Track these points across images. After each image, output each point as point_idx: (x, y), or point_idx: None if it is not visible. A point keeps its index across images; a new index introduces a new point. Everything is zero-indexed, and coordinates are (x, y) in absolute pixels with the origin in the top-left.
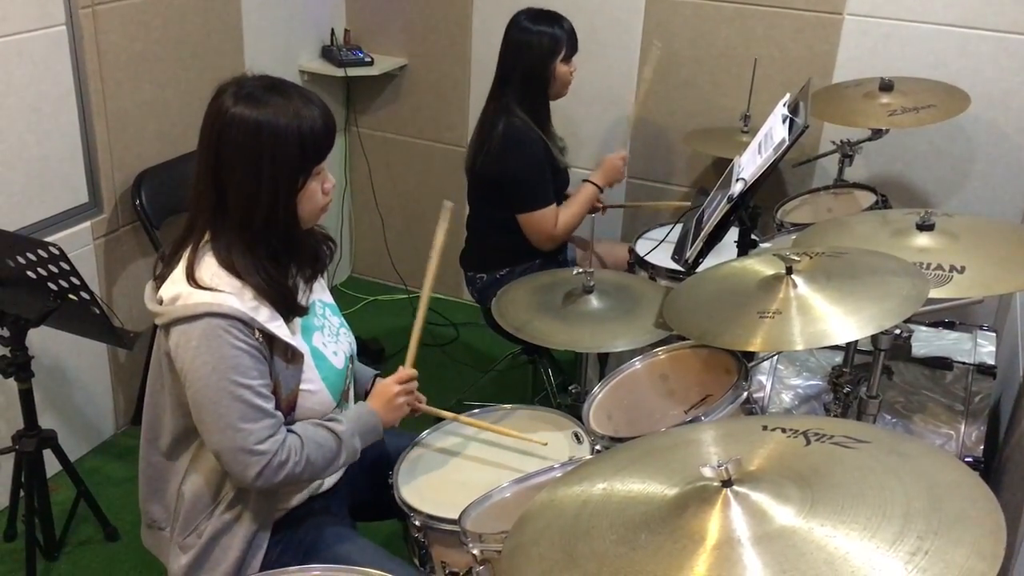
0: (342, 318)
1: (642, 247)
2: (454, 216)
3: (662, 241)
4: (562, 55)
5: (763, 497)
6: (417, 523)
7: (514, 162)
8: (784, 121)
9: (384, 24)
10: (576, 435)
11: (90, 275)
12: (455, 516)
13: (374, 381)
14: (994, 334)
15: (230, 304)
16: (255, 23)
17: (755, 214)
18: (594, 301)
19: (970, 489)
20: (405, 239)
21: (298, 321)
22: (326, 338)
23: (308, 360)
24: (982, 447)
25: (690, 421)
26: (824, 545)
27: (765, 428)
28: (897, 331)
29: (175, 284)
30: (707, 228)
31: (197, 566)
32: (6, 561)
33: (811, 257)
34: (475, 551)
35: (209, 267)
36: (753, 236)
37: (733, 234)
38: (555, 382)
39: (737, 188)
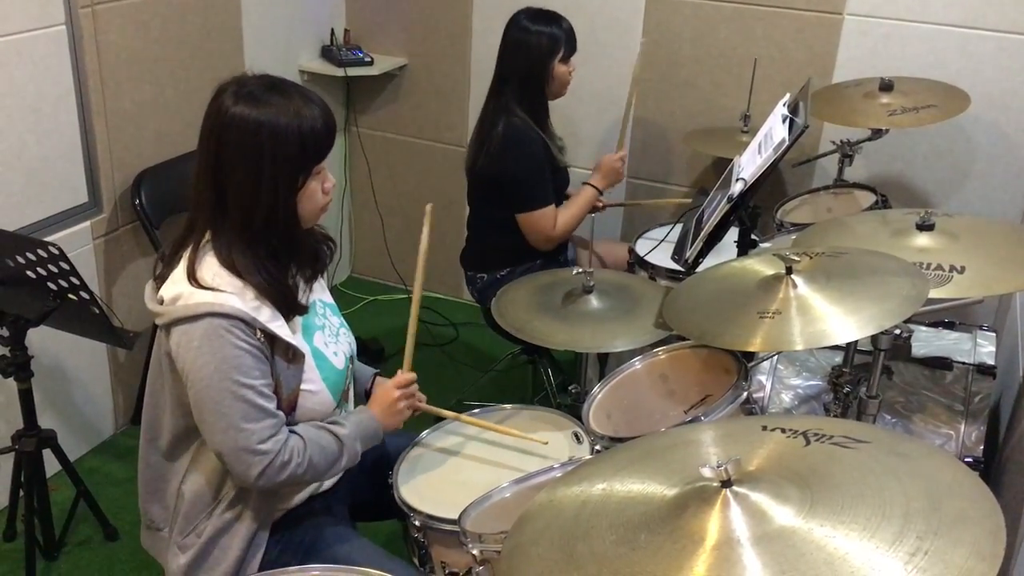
0: (342, 318)
1: (642, 247)
2: (435, 218)
3: (662, 241)
4: (561, 55)
5: (763, 497)
6: (417, 523)
7: (514, 162)
8: (784, 121)
9: (384, 24)
10: (576, 435)
11: (90, 275)
12: (455, 516)
13: (374, 380)
14: (994, 334)
15: (232, 304)
16: (255, 23)
17: (755, 214)
18: (594, 301)
19: (970, 489)
20: (405, 239)
21: (299, 321)
22: (327, 338)
23: (309, 360)
24: (982, 447)
25: (690, 421)
26: (824, 545)
27: (765, 428)
28: (897, 331)
29: (176, 284)
30: (707, 228)
31: (196, 566)
32: (6, 561)
33: (811, 257)
34: (475, 551)
35: (210, 267)
36: (753, 236)
37: (733, 234)
38: (555, 382)
39: (737, 188)
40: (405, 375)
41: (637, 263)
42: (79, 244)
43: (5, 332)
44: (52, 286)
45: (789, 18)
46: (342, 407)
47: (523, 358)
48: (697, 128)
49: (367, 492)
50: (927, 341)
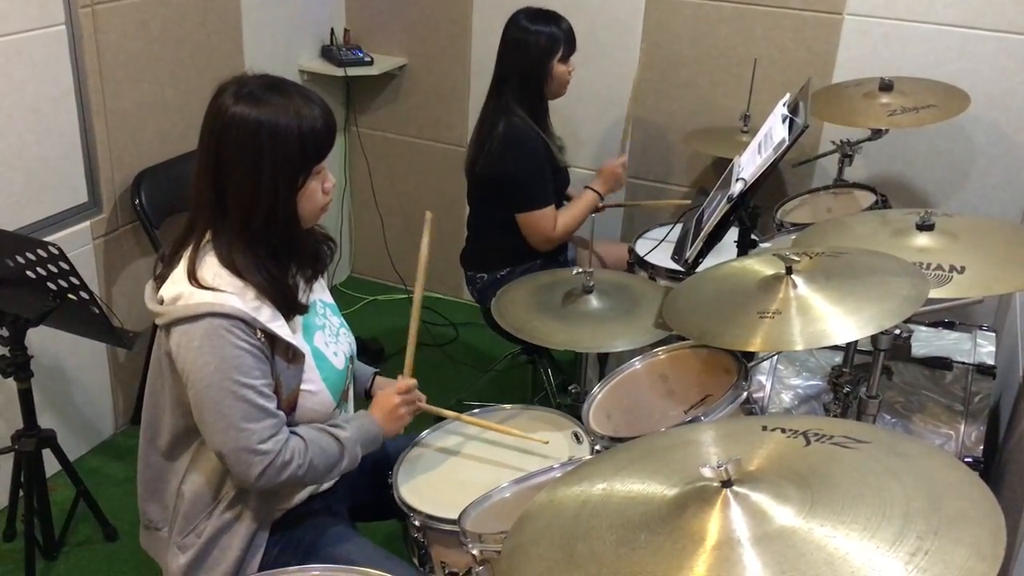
0: (342, 318)
1: (642, 247)
2: (435, 226)
3: (662, 241)
4: (559, 54)
5: (763, 497)
6: (416, 523)
7: (514, 162)
8: (784, 121)
9: (384, 24)
10: (576, 435)
11: (89, 275)
12: (455, 516)
13: (373, 379)
14: (994, 334)
15: (232, 304)
16: (255, 23)
17: (755, 214)
18: (594, 301)
19: (970, 489)
20: (405, 239)
21: (299, 321)
22: (327, 338)
23: (309, 360)
24: (982, 447)
25: (690, 421)
26: (824, 545)
27: (765, 428)
28: (897, 331)
29: (176, 284)
30: (707, 228)
31: (196, 566)
32: (5, 561)
33: (811, 257)
34: (474, 551)
35: (211, 267)
36: (753, 236)
37: (733, 234)
38: (555, 382)
39: (737, 188)
40: (406, 381)
41: (637, 263)
42: (79, 244)
43: (5, 332)
44: (52, 286)
45: (789, 18)
46: (342, 407)
47: (523, 358)
48: (697, 128)
49: (367, 492)
50: (927, 341)
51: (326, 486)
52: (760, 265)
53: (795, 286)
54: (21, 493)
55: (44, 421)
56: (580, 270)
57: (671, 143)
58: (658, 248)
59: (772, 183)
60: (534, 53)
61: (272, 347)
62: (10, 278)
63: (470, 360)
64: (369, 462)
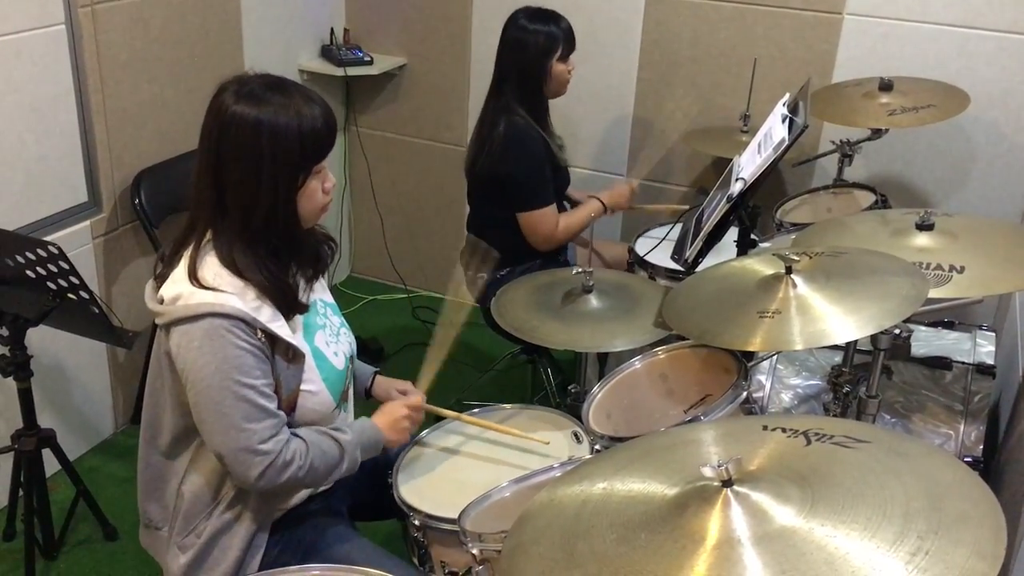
0: (342, 318)
1: (642, 246)
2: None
3: (662, 241)
4: (558, 54)
5: (763, 497)
6: (416, 522)
7: (515, 161)
8: (784, 121)
9: (384, 24)
10: (576, 435)
11: (89, 274)
12: (454, 515)
13: (373, 379)
14: (993, 334)
15: (232, 304)
16: (255, 23)
17: (755, 214)
18: (593, 301)
19: (970, 489)
20: (405, 239)
21: (299, 321)
22: (327, 338)
23: (309, 360)
24: (981, 447)
25: (690, 421)
26: (824, 545)
27: (765, 428)
28: (896, 331)
29: (176, 284)
30: (707, 227)
31: (196, 566)
32: (5, 560)
33: (811, 257)
34: (474, 551)
35: (211, 266)
36: (753, 236)
37: (733, 234)
38: (555, 382)
39: (737, 188)
40: (416, 398)
41: (637, 263)
42: (79, 244)
43: (5, 331)
44: (52, 285)
45: (789, 18)
46: (342, 407)
47: (523, 358)
48: (697, 128)
49: (367, 492)
50: (927, 341)
51: (325, 486)
52: (760, 265)
53: (795, 286)
54: (21, 493)
55: (44, 421)
56: (580, 270)
57: (671, 143)
58: (658, 248)
59: (772, 183)
60: (533, 52)
61: (272, 347)
62: (10, 278)
63: (470, 360)
64: (369, 462)
